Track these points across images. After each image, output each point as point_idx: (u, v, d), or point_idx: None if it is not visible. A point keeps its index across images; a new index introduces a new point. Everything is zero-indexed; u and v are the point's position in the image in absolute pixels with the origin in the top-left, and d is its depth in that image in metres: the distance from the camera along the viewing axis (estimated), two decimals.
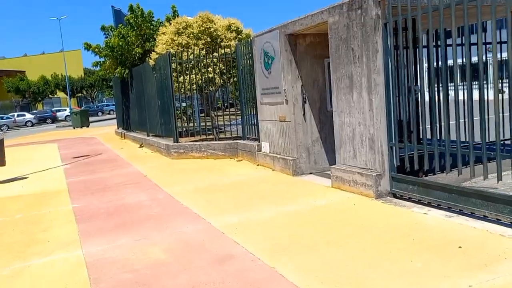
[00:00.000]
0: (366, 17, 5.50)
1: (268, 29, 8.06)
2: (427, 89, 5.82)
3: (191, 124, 12.81)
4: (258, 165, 8.94)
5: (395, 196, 5.59)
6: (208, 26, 11.42)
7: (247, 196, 6.49)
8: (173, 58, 11.02)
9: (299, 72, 7.57)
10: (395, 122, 5.52)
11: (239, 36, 11.93)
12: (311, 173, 7.74)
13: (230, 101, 17.78)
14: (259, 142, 9.09)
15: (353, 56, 5.84)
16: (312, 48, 7.64)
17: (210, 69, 10.72)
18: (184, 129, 11.62)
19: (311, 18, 6.67)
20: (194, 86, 11.03)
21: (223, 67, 11.05)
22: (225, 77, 11.24)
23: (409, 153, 5.50)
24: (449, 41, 4.82)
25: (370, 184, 5.65)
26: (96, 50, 16.69)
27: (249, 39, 9.15)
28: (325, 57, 7.71)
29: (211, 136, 10.88)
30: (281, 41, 7.58)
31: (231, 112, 13.09)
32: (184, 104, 14.59)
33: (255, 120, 9.30)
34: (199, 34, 11.48)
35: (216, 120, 11.01)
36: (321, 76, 7.74)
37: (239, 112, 10.29)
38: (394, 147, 5.53)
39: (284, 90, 7.67)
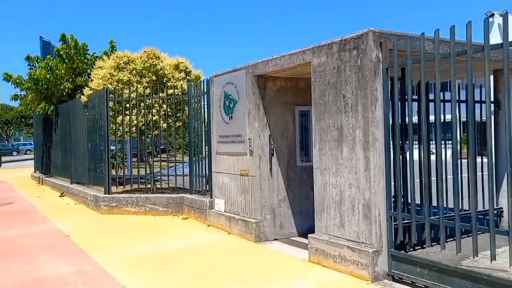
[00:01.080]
0: (364, 59, 4.61)
1: (232, 68, 7.01)
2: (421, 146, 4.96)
3: (123, 172, 11.17)
4: (209, 225, 7.55)
5: (394, 279, 4.52)
6: (154, 63, 10.17)
7: (205, 272, 5.08)
8: (111, 95, 9.56)
9: (267, 119, 6.50)
10: (398, 185, 4.55)
11: (188, 77, 10.78)
12: (275, 239, 6.51)
13: (162, 147, 16.43)
14: (211, 198, 7.76)
15: (344, 104, 4.88)
16: (283, 94, 6.66)
17: (154, 110, 9.37)
18: (117, 177, 9.94)
19: (289, 59, 5.71)
20: (134, 128, 9.57)
21: (169, 109, 9.76)
22: (170, 121, 9.93)
23: (403, 222, 4.53)
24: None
25: (365, 263, 4.54)
26: (18, 81, 14.64)
27: (205, 78, 8.03)
28: (296, 104, 6.76)
29: (148, 186, 9.34)
30: (248, 83, 6.52)
31: (170, 159, 11.67)
32: (114, 148, 12.92)
33: (206, 172, 8.00)
34: (143, 71, 10.17)
35: (152, 168, 9.51)
36: (291, 125, 6.73)
37: (177, 158, 8.94)
38: (394, 217, 4.52)
39: (249, 139, 6.53)
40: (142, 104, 9.49)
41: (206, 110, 7.95)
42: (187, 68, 10.89)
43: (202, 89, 8.18)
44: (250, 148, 6.52)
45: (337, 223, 5.00)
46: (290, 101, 6.71)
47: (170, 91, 9.37)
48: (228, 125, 7.07)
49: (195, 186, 8.58)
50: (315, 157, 5.32)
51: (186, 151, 27.09)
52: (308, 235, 5.40)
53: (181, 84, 9.60)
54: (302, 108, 6.86)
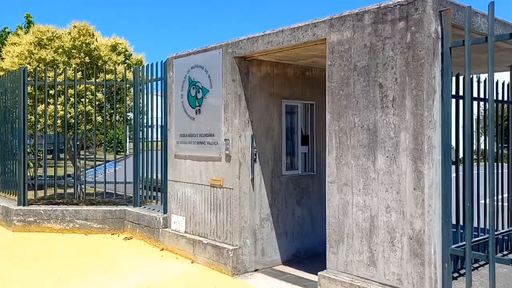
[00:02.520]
0: (417, 34, 3.30)
1: (202, 47, 5.39)
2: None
3: (39, 174, 9.00)
4: (163, 249, 5.87)
5: None
6: (86, 41, 8.17)
7: None
8: (31, 78, 7.47)
9: (250, 115, 4.99)
10: (468, 212, 3.30)
11: (128, 61, 8.90)
12: (256, 270, 5.04)
13: (78, 143, 13.99)
14: (165, 213, 6.08)
15: (381, 96, 3.54)
16: (268, 82, 5.19)
17: (87, 99, 7.42)
18: (36, 181, 7.77)
19: (292, 34, 4.26)
20: (60, 121, 7.55)
21: (106, 98, 7.87)
22: (105, 113, 8.02)
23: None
24: None
25: None
26: None
27: (159, 61, 6.31)
28: (283, 97, 5.33)
29: (71, 194, 7.37)
30: (226, 66, 4.97)
31: (91, 157, 9.47)
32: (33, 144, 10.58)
33: (160, 178, 6.31)
34: (73, 50, 8.14)
35: (80, 170, 7.56)
36: (276, 123, 5.29)
37: (99, 157, 7.13)
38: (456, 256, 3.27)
39: (226, 140, 4.98)
40: (71, 90, 7.51)
41: (161, 100, 6.24)
42: (126, 51, 8.98)
43: (153, 74, 6.45)
44: (227, 152, 4.97)
45: (364, 259, 3.65)
46: (276, 92, 5.26)
47: (108, 76, 7.48)
48: (194, 121, 5.45)
49: (143, 196, 6.83)
50: (330, 167, 3.92)
51: (109, 149, 24.39)
52: (319, 273, 3.99)
53: (121, 69, 7.75)
54: (289, 102, 5.45)
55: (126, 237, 6.51)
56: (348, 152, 3.77)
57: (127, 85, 7.33)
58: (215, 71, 5.12)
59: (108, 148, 26.39)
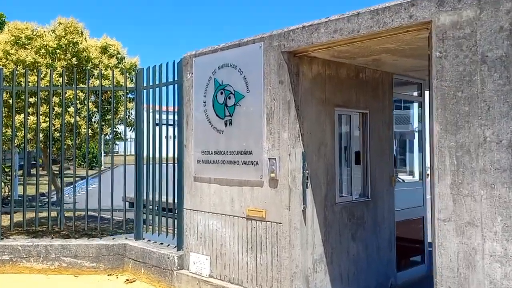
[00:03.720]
0: None
1: (233, 42, 4.25)
2: None
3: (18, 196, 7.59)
4: None
5: None
6: (74, 40, 6.93)
7: None
8: (7, 83, 6.18)
9: (300, 127, 3.87)
10: None
11: (121, 65, 7.67)
12: None
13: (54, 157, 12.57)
14: (180, 250, 4.85)
15: None
16: (320, 86, 4.09)
17: (77, 108, 6.15)
18: (11, 208, 6.37)
19: (373, 19, 3.17)
20: (42, 135, 6.24)
21: (95, 108, 6.64)
22: (95, 126, 6.78)
23: None
24: None
25: None
26: None
27: (173, 61, 5.12)
28: (336, 105, 4.23)
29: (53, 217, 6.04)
30: (270, 64, 3.84)
31: (70, 174, 8.03)
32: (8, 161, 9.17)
33: (173, 205, 5.08)
34: (58, 51, 6.87)
35: (74, 196, 6.24)
36: (329, 137, 4.18)
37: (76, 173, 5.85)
38: None
39: (271, 159, 3.82)
40: (56, 98, 6.24)
41: (177, 108, 5.03)
42: (119, 53, 7.75)
43: (162, 77, 5.27)
44: (273, 175, 3.81)
45: None
46: (328, 98, 4.16)
47: (96, 82, 6.23)
48: (223, 134, 4.28)
49: (149, 227, 5.58)
50: (441, 198, 2.82)
51: (82, 163, 22.56)
52: None
53: (116, 73, 6.55)
54: (342, 111, 4.36)
55: (127, 279, 5.23)
56: (473, 178, 2.67)
57: (127, 91, 6.10)
58: (253, 70, 3.98)
59: (82, 163, 24.74)
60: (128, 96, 6.41)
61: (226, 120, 4.25)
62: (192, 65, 4.66)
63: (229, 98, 4.22)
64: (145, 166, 5.53)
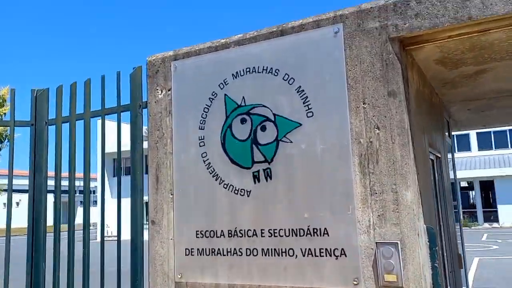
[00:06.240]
0: None
1: (270, 29, 2.35)
2: None
3: None
4: None
5: None
6: None
7: None
8: None
9: (418, 177, 2.07)
10: None
11: None
12: None
13: None
14: None
15: None
16: (428, 102, 2.40)
17: None
18: None
19: None
20: None
21: None
22: None
23: None
24: None
25: None
26: None
27: (120, 72, 2.91)
28: (429, 144, 2.58)
29: None
30: (361, 62, 2.04)
31: None
32: None
33: None
34: None
35: None
36: (430, 192, 2.45)
37: None
38: None
39: (383, 246, 1.91)
40: None
41: (131, 153, 2.79)
42: None
43: (99, 100, 3.01)
44: (391, 278, 1.89)
45: None
46: (438, 124, 2.49)
47: None
48: (250, 197, 2.24)
49: None
50: None
51: None
52: None
53: None
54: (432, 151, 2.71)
55: None
56: None
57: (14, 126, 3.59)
58: (321, 76, 2.13)
59: None
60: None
61: (258, 171, 2.24)
62: (169, 74, 2.59)
63: (263, 129, 2.25)
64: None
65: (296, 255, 2.11)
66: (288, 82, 2.22)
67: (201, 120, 2.44)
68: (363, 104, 2.04)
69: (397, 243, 1.89)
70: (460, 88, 2.86)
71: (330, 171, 2.07)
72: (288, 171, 2.17)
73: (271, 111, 2.25)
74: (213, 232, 2.33)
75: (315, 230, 2.08)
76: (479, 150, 29.51)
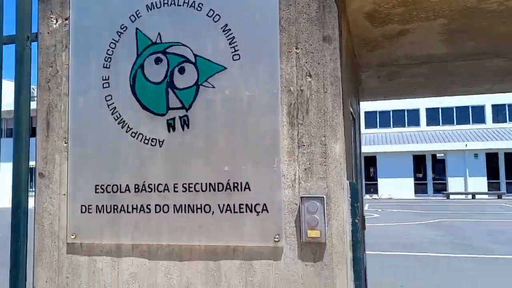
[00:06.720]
0: None
1: None
2: None
3: None
4: None
5: None
6: None
7: None
8: None
9: (343, 129, 1.99)
10: None
11: None
12: None
13: None
14: None
15: None
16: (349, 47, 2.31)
17: None
18: None
19: None
20: None
21: None
22: None
23: None
24: None
25: None
26: None
27: None
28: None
29: None
30: (296, 3, 1.86)
31: None
32: None
33: None
34: None
35: None
36: (350, 148, 2.40)
37: None
38: None
39: (308, 200, 1.79)
40: None
41: (15, 93, 2.30)
42: None
43: None
44: (314, 234, 1.78)
45: None
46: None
47: None
48: (163, 148, 1.97)
49: None
50: None
51: None
52: None
53: None
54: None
55: None
56: None
57: None
58: (249, 16, 1.91)
59: None
60: None
61: (173, 119, 1.97)
62: (67, 0, 2.16)
63: (182, 71, 1.98)
64: None
65: (213, 212, 1.91)
66: (213, 19, 1.96)
67: (106, 57, 2.08)
68: (296, 49, 1.87)
69: (323, 197, 1.79)
70: (378, 50, 2.85)
71: (255, 121, 1.88)
72: (209, 119, 1.94)
73: (192, 51, 1.98)
74: (117, 186, 2.03)
75: (235, 185, 1.89)
76: (365, 128, 31.99)
